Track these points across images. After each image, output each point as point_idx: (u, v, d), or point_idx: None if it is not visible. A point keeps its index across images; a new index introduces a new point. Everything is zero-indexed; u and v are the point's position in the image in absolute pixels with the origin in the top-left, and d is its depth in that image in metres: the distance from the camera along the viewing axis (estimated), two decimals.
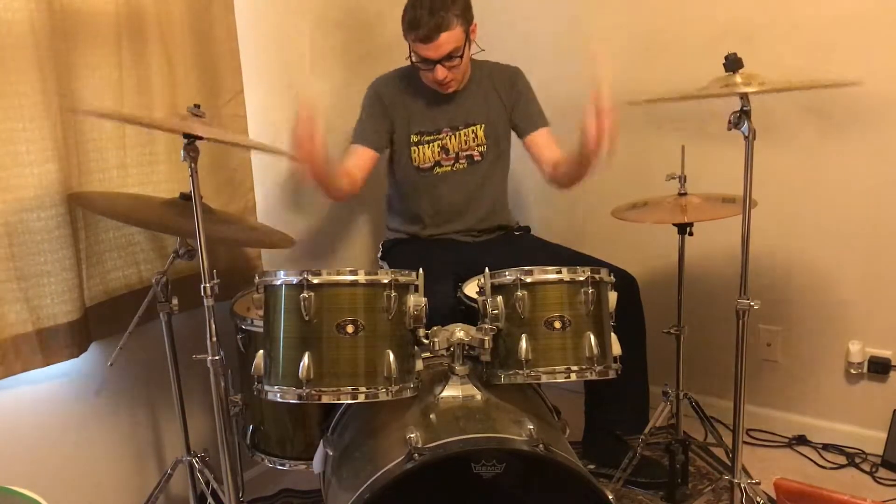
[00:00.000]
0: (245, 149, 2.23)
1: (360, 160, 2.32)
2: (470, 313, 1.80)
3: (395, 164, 2.45)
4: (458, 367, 1.65)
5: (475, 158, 2.39)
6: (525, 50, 2.68)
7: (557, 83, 2.70)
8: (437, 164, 2.37)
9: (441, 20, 2.12)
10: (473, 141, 2.37)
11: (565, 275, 1.60)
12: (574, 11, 2.72)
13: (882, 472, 2.33)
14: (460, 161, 2.38)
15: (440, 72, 2.21)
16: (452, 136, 2.36)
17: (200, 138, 1.55)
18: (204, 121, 1.61)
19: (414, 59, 2.23)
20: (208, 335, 1.60)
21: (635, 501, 2.22)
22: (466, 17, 2.20)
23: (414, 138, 2.35)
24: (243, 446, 1.99)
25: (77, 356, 1.84)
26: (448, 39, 2.15)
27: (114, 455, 2.05)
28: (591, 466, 2.31)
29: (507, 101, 2.40)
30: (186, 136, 1.53)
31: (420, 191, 2.40)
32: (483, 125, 2.37)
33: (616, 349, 1.65)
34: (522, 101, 2.41)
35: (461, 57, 2.21)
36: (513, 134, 2.46)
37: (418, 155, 2.35)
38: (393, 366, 1.51)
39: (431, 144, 2.35)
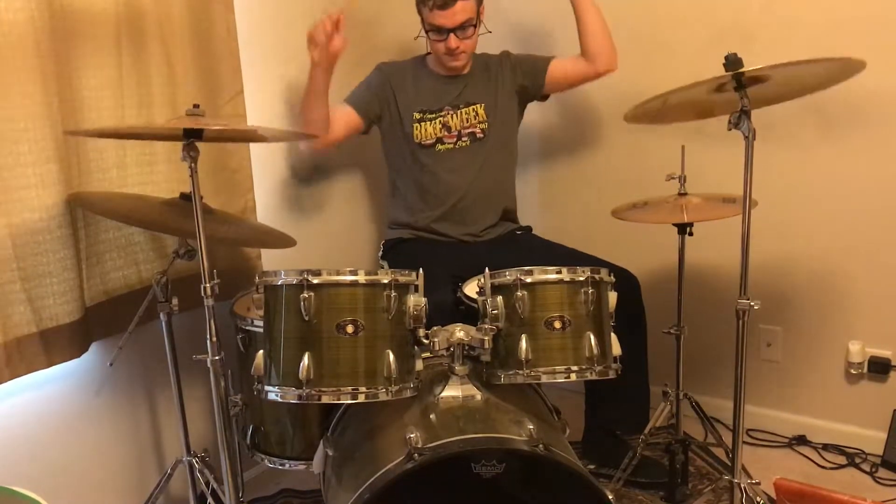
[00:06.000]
0: (246, 147, 2.23)
1: (344, 117, 2.36)
2: (470, 313, 1.80)
3: (396, 141, 2.44)
4: (458, 367, 1.65)
5: (478, 136, 2.41)
6: (524, 49, 2.68)
7: None
8: (439, 140, 2.39)
9: None
10: (475, 118, 2.41)
11: (565, 275, 1.60)
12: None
13: (882, 472, 2.33)
14: (463, 139, 2.40)
15: (453, 41, 2.27)
16: (454, 115, 2.40)
17: (200, 137, 1.55)
18: (204, 119, 1.60)
19: (427, 28, 2.30)
20: (208, 335, 1.60)
21: (635, 501, 2.22)
22: None
23: (417, 115, 2.39)
24: (243, 446, 1.99)
25: (78, 356, 1.84)
26: (463, 8, 2.23)
27: (114, 455, 2.05)
28: (591, 466, 2.31)
29: (509, 76, 2.45)
30: (187, 135, 1.53)
31: (422, 168, 2.41)
32: (483, 104, 2.41)
33: (616, 349, 1.65)
34: (522, 63, 2.47)
35: (474, 27, 2.29)
36: (518, 132, 2.49)
37: (420, 131, 2.38)
38: (393, 366, 1.51)
39: (433, 122, 2.39)
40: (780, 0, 2.35)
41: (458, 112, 2.40)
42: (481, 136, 2.41)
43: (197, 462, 1.92)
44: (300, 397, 1.50)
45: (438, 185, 2.41)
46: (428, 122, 2.39)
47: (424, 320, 1.57)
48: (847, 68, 1.78)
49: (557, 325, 1.58)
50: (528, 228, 2.56)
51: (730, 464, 1.88)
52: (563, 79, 2.46)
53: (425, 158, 2.40)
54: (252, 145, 2.25)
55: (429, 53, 2.40)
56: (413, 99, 2.40)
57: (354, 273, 1.52)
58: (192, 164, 1.55)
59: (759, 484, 1.89)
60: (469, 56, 2.38)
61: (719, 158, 2.28)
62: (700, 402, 2.27)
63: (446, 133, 2.39)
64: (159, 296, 1.83)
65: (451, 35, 2.26)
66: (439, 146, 2.39)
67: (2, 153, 1.67)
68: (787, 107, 2.35)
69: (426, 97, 2.41)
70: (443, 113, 2.40)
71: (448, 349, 1.64)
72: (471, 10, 2.26)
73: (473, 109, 2.41)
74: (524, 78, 2.44)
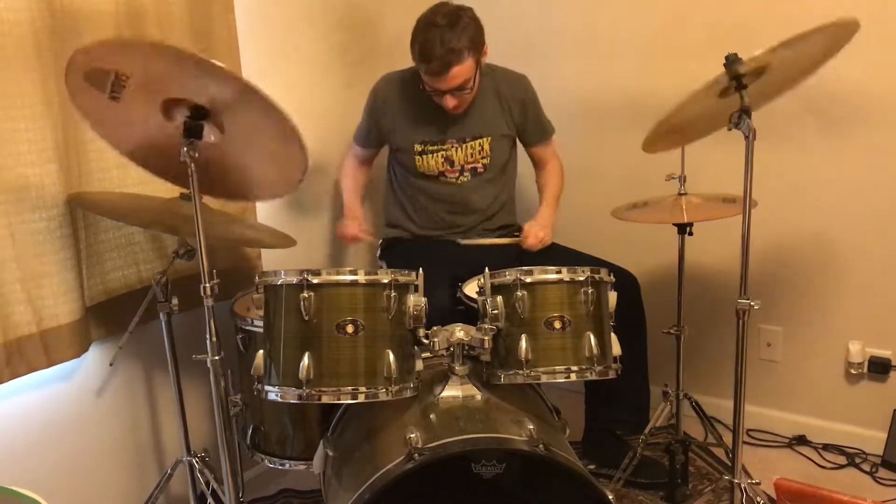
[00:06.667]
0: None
1: (359, 156, 2.51)
2: (470, 313, 1.80)
3: (397, 166, 2.44)
4: (458, 367, 1.65)
5: (479, 171, 2.38)
6: (526, 50, 2.68)
7: (558, 83, 2.71)
8: (442, 174, 2.36)
9: (452, 55, 2.08)
10: (479, 154, 2.36)
11: (565, 275, 1.60)
12: (575, 12, 2.72)
13: (882, 472, 2.34)
14: (465, 174, 2.37)
15: (449, 101, 2.20)
16: (458, 149, 2.34)
17: (200, 137, 1.54)
18: None
19: (424, 84, 2.21)
20: (208, 335, 1.60)
21: (635, 501, 2.22)
22: (477, 46, 2.15)
23: (418, 147, 2.34)
24: (243, 446, 1.99)
25: (78, 356, 1.84)
26: (459, 73, 2.12)
27: (114, 455, 2.05)
28: (591, 466, 2.31)
29: (517, 112, 2.39)
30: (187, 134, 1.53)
31: (422, 194, 2.40)
32: (489, 138, 2.35)
33: (616, 349, 1.65)
34: (531, 115, 2.41)
35: (472, 88, 2.20)
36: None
37: (423, 163, 2.35)
38: (393, 366, 1.51)
39: (436, 155, 2.34)
40: (780, 0, 2.35)
41: (464, 146, 2.33)
42: (482, 170, 2.38)
43: (197, 462, 1.92)
44: (300, 397, 1.50)
45: (438, 212, 2.41)
46: (430, 155, 2.34)
47: (424, 320, 1.57)
48: (840, 34, 1.76)
49: (557, 325, 1.58)
50: None
51: (730, 464, 1.88)
52: (531, 158, 2.51)
53: (426, 187, 2.39)
54: None
55: None
56: (415, 129, 2.34)
57: (354, 273, 1.52)
58: (193, 164, 1.54)
59: (759, 484, 1.89)
60: (469, 101, 2.28)
61: (719, 158, 2.28)
62: (700, 402, 2.27)
63: (448, 167, 2.35)
64: (159, 296, 1.83)
65: (448, 96, 2.18)
66: (441, 178, 2.37)
67: (2, 153, 1.67)
68: (787, 107, 2.36)
69: (428, 127, 2.33)
70: (446, 146, 2.33)
71: (448, 349, 1.64)
72: (468, 71, 2.13)
73: (479, 144, 2.34)
74: (524, 126, 2.41)
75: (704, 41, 2.46)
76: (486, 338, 1.59)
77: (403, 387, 1.54)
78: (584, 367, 1.59)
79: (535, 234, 2.25)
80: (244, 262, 2.29)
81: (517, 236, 2.37)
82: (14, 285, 1.71)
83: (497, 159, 2.39)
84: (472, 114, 2.34)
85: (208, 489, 1.89)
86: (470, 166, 2.36)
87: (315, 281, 1.50)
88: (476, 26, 2.15)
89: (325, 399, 1.51)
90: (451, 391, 1.64)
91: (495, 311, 1.60)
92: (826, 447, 2.48)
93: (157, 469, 2.15)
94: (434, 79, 2.15)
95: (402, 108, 2.36)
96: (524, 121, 2.41)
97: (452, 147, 2.34)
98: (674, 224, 2.09)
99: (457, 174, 2.36)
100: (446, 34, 2.07)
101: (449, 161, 2.35)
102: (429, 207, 2.41)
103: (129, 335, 1.86)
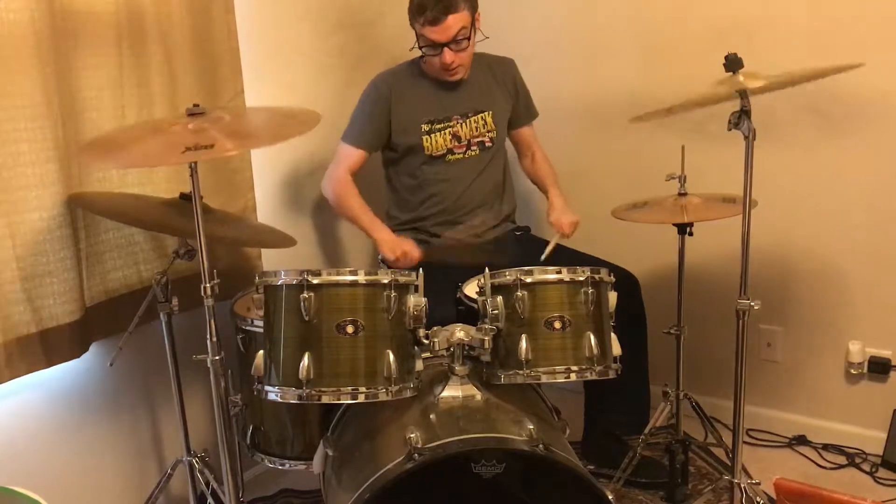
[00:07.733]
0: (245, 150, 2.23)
1: (357, 163, 2.36)
2: (470, 313, 1.80)
3: (402, 155, 2.42)
4: (458, 367, 1.65)
5: (486, 145, 2.40)
6: (525, 48, 2.68)
7: (556, 81, 2.71)
8: (450, 151, 2.38)
9: (448, 3, 2.17)
10: (483, 127, 2.40)
11: (565, 275, 1.60)
12: (574, 11, 2.72)
13: (882, 472, 2.33)
14: (472, 148, 2.39)
15: (448, 55, 2.23)
16: (463, 124, 2.37)
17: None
18: (205, 118, 1.59)
19: (421, 43, 2.26)
20: (209, 335, 1.60)
21: (635, 501, 2.22)
22: (472, 3, 2.25)
23: (425, 127, 2.35)
24: (243, 446, 1.99)
25: (78, 356, 1.84)
26: (455, 22, 2.19)
27: (114, 455, 2.06)
28: (591, 466, 2.31)
29: (511, 92, 2.46)
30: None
31: (432, 179, 2.39)
32: (491, 112, 2.40)
33: (616, 349, 1.65)
34: (522, 95, 2.50)
35: (468, 39, 2.25)
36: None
37: (431, 143, 2.36)
38: (393, 366, 1.51)
39: (443, 132, 2.36)
40: (780, 0, 2.35)
41: (468, 121, 2.37)
42: (490, 144, 2.40)
43: (197, 462, 1.92)
44: (300, 397, 1.50)
45: (445, 196, 2.39)
46: (437, 133, 2.35)
47: (424, 320, 1.57)
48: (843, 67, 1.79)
49: (557, 325, 1.58)
50: (527, 229, 2.56)
51: (730, 464, 1.88)
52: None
53: (433, 169, 2.38)
54: None
55: (423, 57, 2.33)
56: (418, 110, 2.36)
57: (354, 273, 1.52)
58: (193, 164, 1.54)
59: (759, 484, 1.89)
60: (466, 68, 2.34)
61: (719, 158, 2.27)
62: (700, 402, 2.27)
63: (456, 143, 2.37)
64: (159, 296, 1.83)
65: (446, 50, 2.22)
66: (449, 157, 2.37)
67: (2, 153, 1.67)
68: (787, 106, 2.36)
69: (431, 106, 2.36)
70: (451, 123, 2.36)
71: (448, 349, 1.64)
72: (464, 21, 2.20)
73: (482, 118, 2.39)
74: (517, 104, 2.48)
75: (704, 41, 2.46)
76: (486, 338, 1.59)
77: (403, 387, 1.54)
78: (584, 367, 1.59)
79: (567, 222, 2.29)
80: (244, 262, 2.29)
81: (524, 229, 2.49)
82: (14, 285, 1.71)
83: (501, 133, 2.44)
84: (471, 90, 2.40)
85: (208, 489, 1.90)
86: (477, 140, 2.39)
87: (315, 281, 1.50)
88: None
89: (325, 399, 1.51)
90: (451, 391, 1.64)
91: (495, 312, 1.60)
92: (826, 447, 2.48)
93: (157, 469, 2.15)
94: (431, 29, 2.19)
95: (404, 96, 2.38)
96: (517, 99, 2.49)
97: (458, 123, 2.37)
98: (674, 224, 2.09)
99: (464, 149, 2.38)
100: None
101: (456, 137, 2.37)
102: (438, 192, 2.39)
103: (129, 335, 1.86)
